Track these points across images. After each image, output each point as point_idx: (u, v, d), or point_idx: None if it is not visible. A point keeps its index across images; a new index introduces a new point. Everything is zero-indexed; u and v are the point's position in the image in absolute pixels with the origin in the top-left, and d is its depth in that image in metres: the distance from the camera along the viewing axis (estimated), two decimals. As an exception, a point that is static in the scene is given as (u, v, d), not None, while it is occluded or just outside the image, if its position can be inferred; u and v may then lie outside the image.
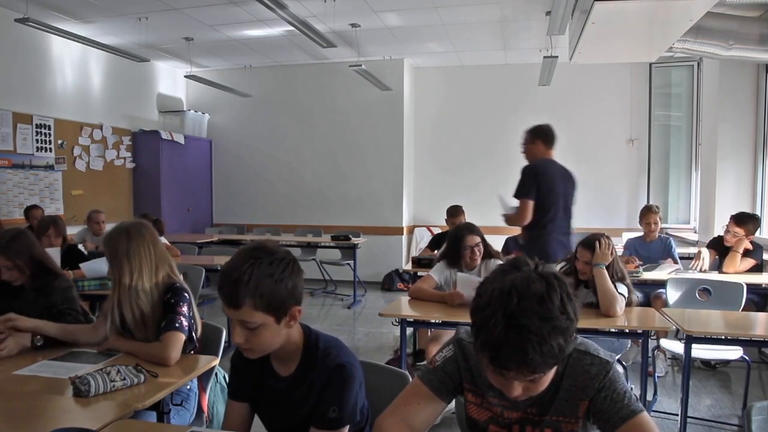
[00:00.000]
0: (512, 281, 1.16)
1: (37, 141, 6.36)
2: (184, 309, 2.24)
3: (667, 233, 5.45)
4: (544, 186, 3.83)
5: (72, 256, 4.28)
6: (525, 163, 4.00)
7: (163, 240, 5.57)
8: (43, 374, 1.98)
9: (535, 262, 1.23)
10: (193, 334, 2.30)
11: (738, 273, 4.42)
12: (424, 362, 3.67)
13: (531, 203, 3.81)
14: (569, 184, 4.00)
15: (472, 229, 3.65)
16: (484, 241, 3.67)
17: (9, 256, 2.57)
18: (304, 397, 1.59)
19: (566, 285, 1.19)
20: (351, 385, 1.55)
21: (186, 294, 2.30)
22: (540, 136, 4.00)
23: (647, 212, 5.08)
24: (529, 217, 3.82)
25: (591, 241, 3.22)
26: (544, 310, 1.12)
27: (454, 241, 3.65)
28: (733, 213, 4.70)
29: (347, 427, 1.55)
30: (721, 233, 4.77)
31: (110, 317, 2.23)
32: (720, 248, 4.72)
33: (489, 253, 3.68)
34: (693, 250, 5.93)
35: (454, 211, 5.56)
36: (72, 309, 2.63)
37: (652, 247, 5.04)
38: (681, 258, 5.04)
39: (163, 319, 2.21)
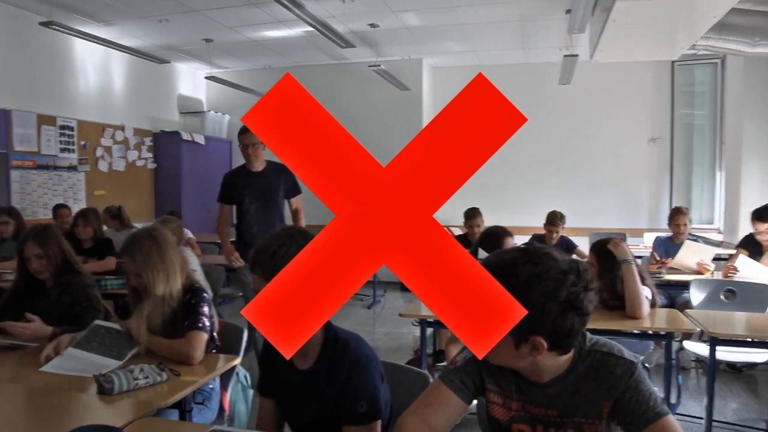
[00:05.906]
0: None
1: (60, 142, 6.46)
2: (205, 309, 2.27)
3: (694, 235, 5.33)
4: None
5: (101, 248, 4.36)
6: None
7: (189, 234, 5.66)
8: (68, 372, 2.01)
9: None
10: (214, 334, 2.33)
11: None
12: (445, 363, 3.65)
13: None
14: None
15: (509, 232, 3.63)
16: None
17: (41, 243, 2.63)
18: (323, 389, 1.60)
19: (568, 284, 1.23)
20: (372, 376, 1.56)
21: (205, 294, 2.33)
22: None
23: (677, 214, 4.93)
24: None
25: (603, 244, 3.14)
26: (543, 268, 1.21)
27: (494, 245, 3.50)
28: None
29: (379, 421, 1.55)
30: (751, 230, 4.60)
31: (146, 323, 2.21)
32: (752, 246, 4.50)
33: None
34: (717, 251, 5.82)
35: (471, 214, 5.50)
36: (92, 309, 2.66)
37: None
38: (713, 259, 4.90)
39: (185, 319, 2.23)
